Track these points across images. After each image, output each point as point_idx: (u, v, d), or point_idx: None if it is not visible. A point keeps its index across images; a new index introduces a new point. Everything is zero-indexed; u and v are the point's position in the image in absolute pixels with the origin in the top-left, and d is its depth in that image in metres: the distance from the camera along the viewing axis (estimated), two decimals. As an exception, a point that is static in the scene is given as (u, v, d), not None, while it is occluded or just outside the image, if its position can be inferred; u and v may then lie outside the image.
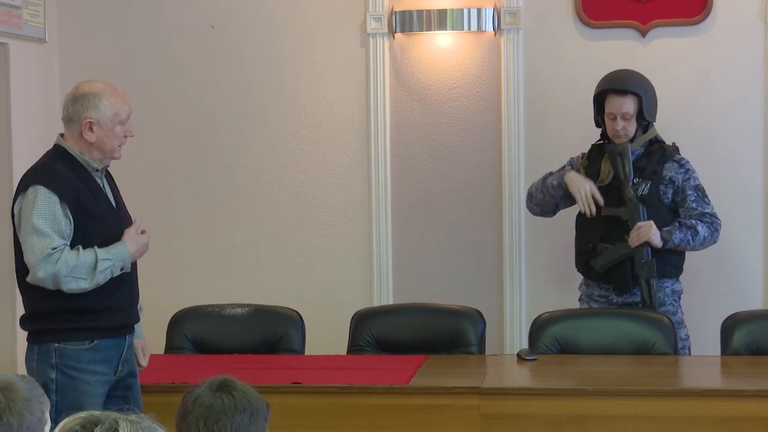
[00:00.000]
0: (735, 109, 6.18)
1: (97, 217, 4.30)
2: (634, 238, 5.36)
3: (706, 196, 5.49)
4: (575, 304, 5.72)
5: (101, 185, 4.43)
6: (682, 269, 5.56)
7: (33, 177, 4.27)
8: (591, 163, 5.62)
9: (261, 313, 5.54)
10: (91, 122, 4.29)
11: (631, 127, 5.47)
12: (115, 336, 4.36)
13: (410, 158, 6.50)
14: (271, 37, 6.60)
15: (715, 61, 6.20)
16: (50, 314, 4.27)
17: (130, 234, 4.34)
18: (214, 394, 2.61)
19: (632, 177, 5.44)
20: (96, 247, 4.22)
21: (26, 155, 6.24)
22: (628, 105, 5.46)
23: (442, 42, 6.46)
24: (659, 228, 5.38)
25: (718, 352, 5.17)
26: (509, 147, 6.36)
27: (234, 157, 6.63)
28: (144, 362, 4.54)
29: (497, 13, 6.35)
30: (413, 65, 6.48)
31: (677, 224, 5.41)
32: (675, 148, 5.57)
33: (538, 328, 5.21)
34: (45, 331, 4.28)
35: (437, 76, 6.47)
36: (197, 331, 5.45)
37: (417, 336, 5.33)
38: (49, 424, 2.96)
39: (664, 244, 5.38)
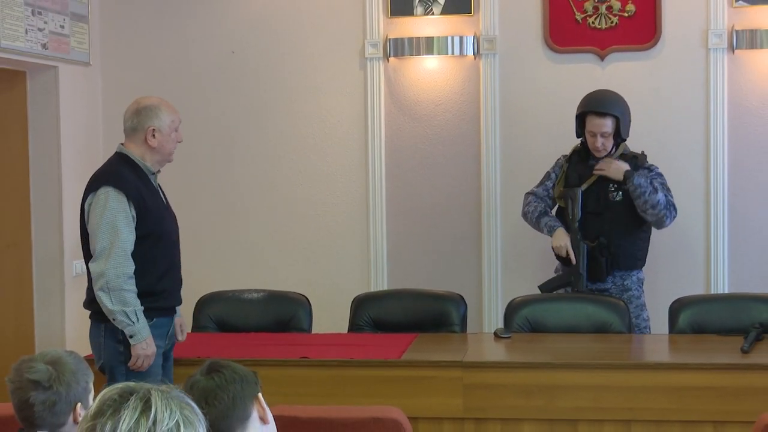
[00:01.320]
0: (681, 122, 6.16)
1: (156, 214, 4.36)
2: (603, 169, 5.41)
3: (670, 193, 5.46)
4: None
5: (156, 187, 4.50)
6: (645, 261, 5.54)
7: (103, 179, 4.30)
8: (572, 165, 5.59)
9: (274, 298, 5.52)
10: (153, 129, 4.37)
11: (609, 144, 5.45)
12: (168, 315, 4.42)
13: (402, 165, 6.48)
14: (283, 62, 6.59)
15: (664, 81, 6.19)
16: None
17: (150, 343, 4.23)
18: (207, 376, 2.60)
19: (580, 218, 5.41)
20: (139, 308, 4.19)
21: (73, 164, 6.28)
22: (607, 125, 5.41)
23: (429, 65, 6.44)
24: (627, 230, 5.43)
25: (667, 331, 5.17)
26: (487, 155, 6.35)
27: (251, 164, 6.61)
28: (182, 337, 4.55)
29: (477, 40, 6.33)
30: (405, 85, 6.46)
31: (643, 179, 5.36)
32: (644, 157, 5.52)
33: (512, 310, 5.20)
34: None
35: (425, 95, 6.45)
36: (220, 313, 5.43)
37: (408, 317, 5.32)
38: (92, 393, 2.95)
39: (625, 181, 5.35)
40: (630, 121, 5.53)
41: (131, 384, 1.84)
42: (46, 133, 6.22)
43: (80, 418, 2.71)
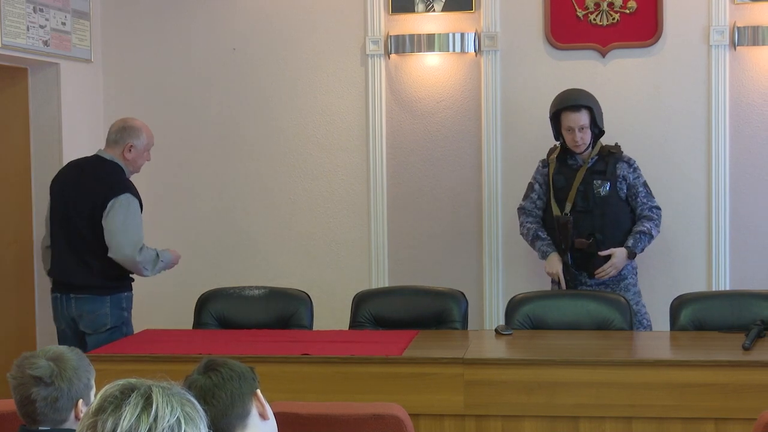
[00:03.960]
0: (682, 118, 6.17)
1: (142, 213, 5.35)
2: (609, 271, 5.48)
3: (651, 191, 5.60)
4: (545, 287, 5.70)
5: None
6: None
7: (125, 187, 5.28)
8: (556, 169, 5.61)
9: (275, 294, 5.51)
10: (131, 146, 5.37)
11: (587, 137, 5.53)
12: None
13: (403, 161, 6.49)
14: (285, 58, 6.59)
15: (665, 77, 6.19)
16: (120, 276, 5.30)
17: (174, 253, 5.46)
18: (204, 375, 2.60)
19: (571, 244, 5.51)
20: (157, 249, 5.33)
21: (74, 158, 6.26)
22: (583, 118, 5.51)
23: (430, 62, 6.44)
24: (618, 221, 5.49)
25: (668, 328, 5.16)
26: (488, 151, 6.35)
27: (252, 161, 6.61)
28: None
29: (478, 37, 6.33)
30: (406, 82, 6.46)
31: (637, 235, 5.48)
32: (618, 147, 5.63)
33: (512, 307, 5.19)
34: (118, 287, 5.32)
35: (426, 91, 6.45)
36: (221, 310, 5.43)
37: (409, 314, 5.31)
38: (94, 389, 2.95)
39: (635, 257, 5.51)
40: (602, 112, 5.60)
41: (132, 380, 1.84)
42: (47, 130, 6.22)
43: (82, 415, 2.71)
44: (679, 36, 6.22)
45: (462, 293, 5.38)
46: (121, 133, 5.37)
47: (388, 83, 6.46)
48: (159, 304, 6.63)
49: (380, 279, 6.46)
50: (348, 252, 6.55)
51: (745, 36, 6.09)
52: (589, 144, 5.55)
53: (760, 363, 4.20)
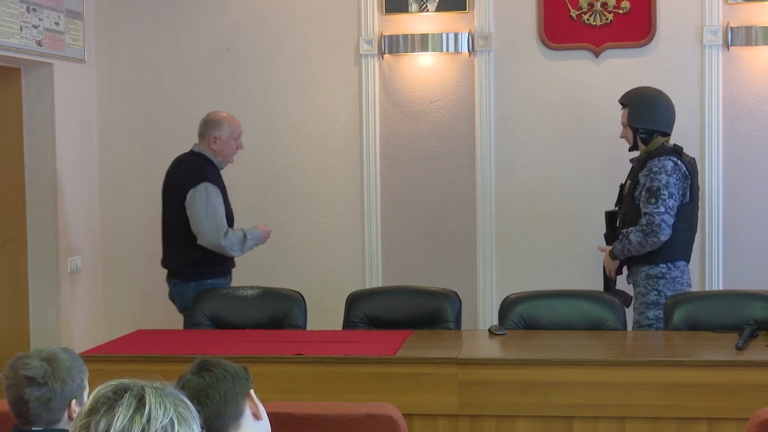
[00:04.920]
0: (676, 119, 6.16)
1: (227, 202, 5.66)
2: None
3: (654, 197, 5.24)
4: (539, 286, 5.69)
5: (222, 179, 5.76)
6: (660, 257, 5.33)
7: (203, 176, 5.58)
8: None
9: (269, 294, 5.50)
10: (215, 137, 5.65)
11: (627, 134, 5.47)
12: (223, 276, 5.74)
13: (397, 161, 6.49)
14: (278, 58, 6.59)
15: (659, 78, 6.16)
16: (206, 262, 5.61)
17: (263, 229, 5.73)
18: (198, 375, 2.59)
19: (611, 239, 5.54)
20: (245, 229, 5.63)
21: (68, 160, 6.28)
22: (622, 115, 5.47)
23: (424, 62, 6.44)
24: (631, 219, 5.39)
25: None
26: (482, 151, 6.36)
27: (246, 161, 6.58)
28: None
29: (471, 37, 6.33)
30: (399, 82, 6.46)
31: (619, 236, 5.40)
32: (669, 148, 5.37)
33: (506, 306, 5.18)
34: (200, 273, 5.62)
35: (420, 91, 6.45)
36: (215, 309, 5.41)
37: (402, 314, 5.30)
38: (87, 390, 2.94)
39: (615, 258, 5.43)
40: (649, 111, 5.43)
41: (125, 381, 1.84)
42: (41, 130, 6.21)
43: (75, 415, 2.71)
44: (673, 36, 6.23)
45: (455, 293, 5.37)
46: (205, 126, 5.71)
47: (381, 83, 6.46)
48: (152, 304, 6.61)
49: (374, 279, 6.46)
50: (341, 252, 6.55)
51: (738, 36, 6.10)
52: (633, 141, 5.47)
53: (754, 363, 4.20)
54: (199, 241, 5.57)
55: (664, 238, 5.24)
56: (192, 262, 5.65)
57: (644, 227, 5.25)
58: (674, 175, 5.26)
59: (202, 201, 5.53)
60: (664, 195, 5.25)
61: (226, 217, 5.63)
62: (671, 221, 5.24)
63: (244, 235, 5.60)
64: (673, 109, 5.47)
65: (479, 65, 6.37)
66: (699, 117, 6.20)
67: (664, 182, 5.24)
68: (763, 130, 6.20)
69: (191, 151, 5.75)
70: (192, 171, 5.64)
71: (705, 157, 6.14)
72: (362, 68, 6.46)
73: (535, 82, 6.35)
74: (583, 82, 6.29)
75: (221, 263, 5.70)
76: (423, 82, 6.45)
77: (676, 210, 5.26)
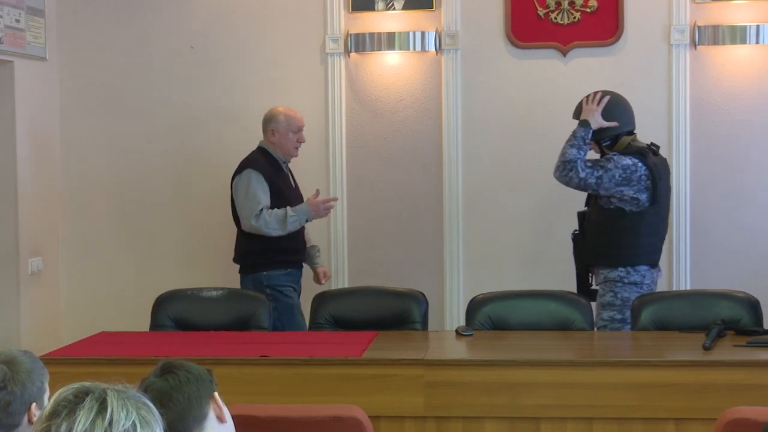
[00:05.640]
0: (643, 118, 6.16)
1: (283, 193, 5.75)
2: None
3: (591, 165, 5.28)
4: (507, 287, 5.69)
5: (287, 173, 5.90)
6: (618, 259, 5.35)
7: (247, 163, 5.76)
8: None
9: (234, 296, 5.50)
10: (272, 130, 5.82)
11: (593, 145, 5.46)
12: (297, 267, 5.88)
13: (363, 161, 6.49)
14: (244, 57, 6.57)
15: (626, 77, 6.22)
16: (259, 252, 5.72)
17: (311, 199, 5.73)
18: (161, 378, 2.58)
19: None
20: (287, 208, 5.64)
21: (28, 159, 6.25)
22: None
23: (391, 60, 6.45)
24: (591, 224, 5.46)
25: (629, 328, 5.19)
26: (449, 151, 6.36)
27: (210, 160, 6.58)
28: (323, 281, 6.03)
29: (438, 36, 6.34)
30: (366, 81, 6.46)
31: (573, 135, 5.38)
32: (624, 146, 5.40)
33: (473, 307, 5.20)
34: (257, 264, 5.75)
35: (387, 90, 6.46)
36: (178, 311, 5.38)
37: (369, 314, 5.30)
38: (47, 393, 2.92)
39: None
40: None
41: (87, 384, 1.83)
42: (1, 128, 6.16)
43: (35, 419, 2.68)
44: (640, 35, 6.26)
45: (422, 294, 5.38)
46: (264, 121, 5.88)
47: (348, 82, 6.46)
48: (114, 306, 6.59)
49: (340, 279, 6.46)
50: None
51: (705, 35, 6.14)
52: (600, 151, 5.48)
53: (721, 363, 4.23)
54: (242, 227, 5.73)
55: (556, 175, 5.35)
56: (247, 252, 5.81)
57: (564, 164, 5.32)
58: (619, 170, 5.26)
59: (242, 187, 5.68)
60: (604, 165, 5.28)
61: (281, 206, 5.66)
62: (588, 180, 5.27)
63: (285, 213, 5.62)
64: (627, 103, 5.49)
65: (446, 64, 6.38)
66: (666, 116, 6.23)
67: (610, 165, 5.28)
68: (731, 130, 6.25)
69: (257, 147, 5.91)
70: (241, 162, 5.81)
71: (672, 156, 6.17)
72: (328, 67, 6.45)
73: (502, 80, 6.37)
74: (551, 81, 6.31)
75: (281, 253, 5.75)
76: (390, 81, 6.45)
77: (598, 181, 5.26)
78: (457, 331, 4.96)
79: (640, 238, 5.34)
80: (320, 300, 5.40)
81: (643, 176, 5.30)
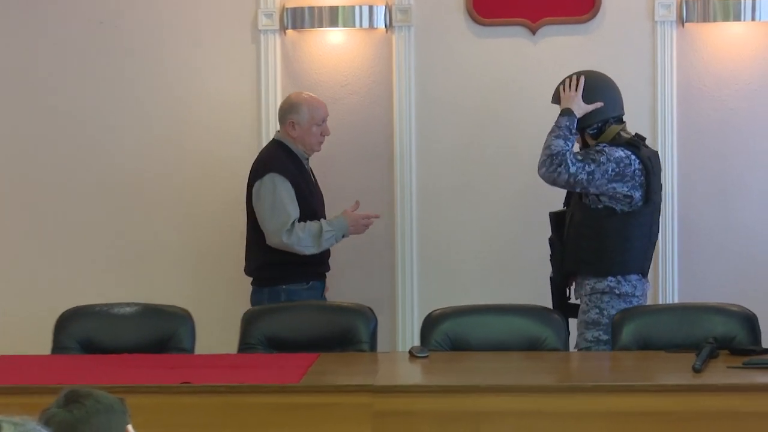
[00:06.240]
0: (625, 103, 6.23)
1: (308, 196, 5.80)
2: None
3: (582, 158, 5.32)
4: (467, 300, 5.70)
5: (309, 170, 5.93)
6: (609, 266, 5.40)
7: (270, 166, 5.75)
8: None
9: (150, 312, 5.45)
10: (293, 122, 5.79)
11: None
12: (320, 279, 5.91)
13: (302, 155, 6.47)
14: (162, 34, 6.53)
15: (604, 58, 6.21)
16: (276, 264, 5.77)
17: (350, 213, 5.83)
18: (65, 409, 2.57)
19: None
20: (322, 221, 5.76)
21: None
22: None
23: (333, 39, 6.44)
24: (576, 228, 5.48)
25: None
26: (401, 143, 6.36)
27: (122, 155, 6.54)
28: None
29: (389, 10, 6.34)
30: (305, 62, 6.45)
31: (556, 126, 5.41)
32: (612, 138, 5.44)
33: (429, 324, 5.20)
34: (274, 278, 5.79)
35: (329, 74, 6.45)
36: (85, 331, 5.33)
37: (308, 333, 5.29)
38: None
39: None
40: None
41: (-19, 417, 1.81)
42: None
43: None
44: (620, 11, 6.30)
45: (370, 309, 5.37)
46: (282, 111, 5.89)
47: (284, 64, 6.44)
48: (10, 326, 6.52)
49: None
50: (236, 262, 6.47)
51: (694, 11, 6.19)
52: (582, 141, 5.53)
53: (713, 387, 4.26)
54: (267, 242, 5.74)
55: (541, 172, 5.36)
56: (263, 264, 5.85)
57: (551, 158, 5.33)
58: (612, 164, 5.30)
59: (267, 195, 5.70)
60: (593, 161, 5.30)
61: (306, 213, 5.74)
62: (579, 175, 5.28)
63: (320, 228, 5.70)
64: (612, 82, 5.56)
65: (398, 43, 6.38)
66: (650, 104, 6.27)
67: (602, 158, 5.31)
68: (723, 117, 6.29)
69: (272, 140, 5.95)
70: (260, 161, 5.84)
71: (657, 147, 6.19)
72: (261, 46, 6.44)
73: (462, 62, 6.38)
74: (518, 63, 6.33)
75: (301, 265, 5.78)
76: (332, 63, 6.45)
77: (590, 177, 5.28)
78: (410, 352, 4.96)
79: (631, 242, 5.38)
80: (251, 317, 5.38)
81: (637, 171, 5.33)
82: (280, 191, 5.68)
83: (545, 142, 5.37)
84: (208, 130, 6.52)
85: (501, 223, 6.42)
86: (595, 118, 5.44)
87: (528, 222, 6.19)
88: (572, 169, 5.26)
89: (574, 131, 5.38)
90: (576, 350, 5.33)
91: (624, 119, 5.54)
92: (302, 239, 5.65)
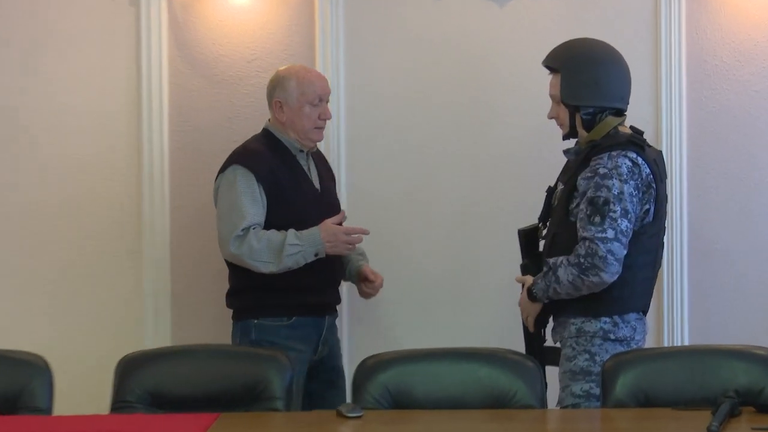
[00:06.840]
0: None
1: (294, 198, 5.71)
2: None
3: (599, 214, 5.22)
4: (413, 343, 5.66)
5: (306, 167, 5.86)
6: (602, 304, 5.36)
7: (234, 157, 5.75)
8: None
9: (-6, 360, 5.39)
10: (279, 102, 5.79)
11: (560, 113, 5.47)
12: (313, 315, 5.80)
13: (196, 152, 6.51)
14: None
15: (591, 25, 6.26)
16: (250, 290, 5.75)
17: (328, 225, 5.63)
18: None
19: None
20: (290, 231, 5.58)
21: None
22: (551, 85, 5.48)
23: (237, 1, 6.40)
24: (565, 241, 5.39)
25: (598, 404, 5.19)
26: (327, 133, 6.31)
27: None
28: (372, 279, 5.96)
29: (310, -38, 6.35)
30: (199, 31, 6.48)
31: (544, 270, 5.39)
32: (610, 145, 5.36)
33: (363, 374, 5.17)
34: (245, 309, 5.79)
35: (231, 46, 6.50)
36: None
37: (205, 387, 5.26)
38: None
39: (536, 300, 5.44)
40: (584, 78, 5.42)
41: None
42: None
43: None
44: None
45: (285, 355, 5.36)
46: (268, 89, 5.88)
47: (171, 32, 6.47)
48: None
49: (159, 335, 6.46)
50: (108, 295, 6.48)
51: (708, -36, 6.22)
52: (570, 125, 5.48)
53: (736, 455, 4.25)
54: (222, 253, 5.74)
55: (609, 278, 5.23)
56: (234, 290, 5.89)
57: (582, 260, 5.23)
58: (632, 181, 5.26)
59: (225, 192, 5.71)
60: (615, 212, 5.23)
61: (286, 220, 5.64)
62: (622, 253, 5.23)
63: (284, 239, 5.58)
64: (629, 73, 5.49)
65: (322, 7, 6.42)
66: (652, 84, 6.31)
67: (616, 192, 5.24)
68: (745, 103, 6.30)
69: (262, 130, 5.93)
70: (230, 153, 5.83)
71: (662, 142, 6.27)
72: (141, 9, 6.46)
73: (407, 31, 6.39)
74: (480, 31, 6.36)
75: (278, 291, 5.71)
76: (236, 33, 6.49)
77: (630, 235, 5.26)
78: (338, 411, 4.91)
79: (634, 271, 5.36)
80: (128, 366, 5.32)
81: (647, 179, 5.29)
82: (239, 187, 5.63)
83: (565, 294, 5.32)
84: (73, 121, 6.55)
85: (459, 241, 6.43)
86: (588, 98, 5.38)
87: (494, 237, 6.21)
88: (611, 259, 5.19)
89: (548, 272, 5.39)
90: (558, 407, 5.29)
91: (625, 111, 5.47)
92: (255, 251, 5.55)
